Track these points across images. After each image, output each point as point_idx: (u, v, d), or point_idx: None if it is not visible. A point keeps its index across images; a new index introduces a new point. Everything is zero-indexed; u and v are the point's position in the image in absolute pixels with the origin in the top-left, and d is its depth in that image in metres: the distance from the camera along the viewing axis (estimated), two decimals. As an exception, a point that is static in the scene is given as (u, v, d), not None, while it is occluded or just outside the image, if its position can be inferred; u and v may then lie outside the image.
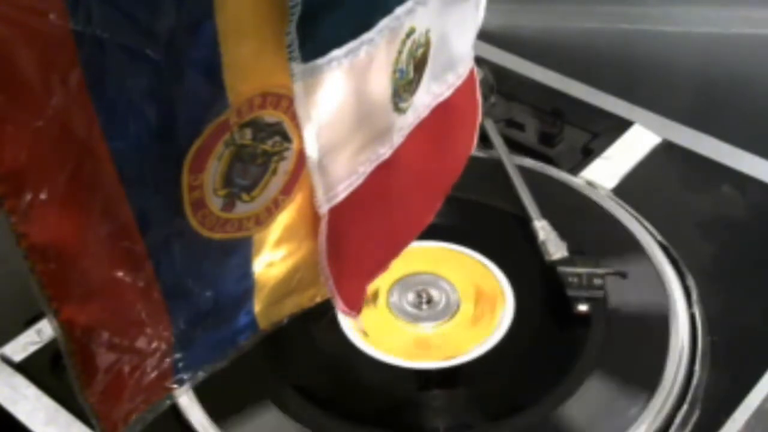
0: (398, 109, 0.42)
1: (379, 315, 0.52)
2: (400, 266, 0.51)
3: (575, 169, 0.61)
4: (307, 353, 0.50)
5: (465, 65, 0.49)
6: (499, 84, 0.65)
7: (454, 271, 0.54)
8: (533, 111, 0.65)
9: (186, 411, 0.46)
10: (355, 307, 0.47)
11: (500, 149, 0.60)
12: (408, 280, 0.53)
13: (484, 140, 0.59)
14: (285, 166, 0.40)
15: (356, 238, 0.44)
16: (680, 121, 0.64)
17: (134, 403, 0.40)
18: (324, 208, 0.41)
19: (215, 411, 0.46)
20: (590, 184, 0.59)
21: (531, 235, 0.54)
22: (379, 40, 0.38)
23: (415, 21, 0.40)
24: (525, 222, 0.55)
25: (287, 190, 0.41)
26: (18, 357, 0.50)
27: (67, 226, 0.32)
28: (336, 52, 0.36)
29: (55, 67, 0.29)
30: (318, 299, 0.47)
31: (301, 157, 0.39)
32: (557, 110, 0.64)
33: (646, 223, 0.56)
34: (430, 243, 0.55)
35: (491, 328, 0.51)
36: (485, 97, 0.60)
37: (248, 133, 0.37)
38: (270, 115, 0.37)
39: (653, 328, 0.49)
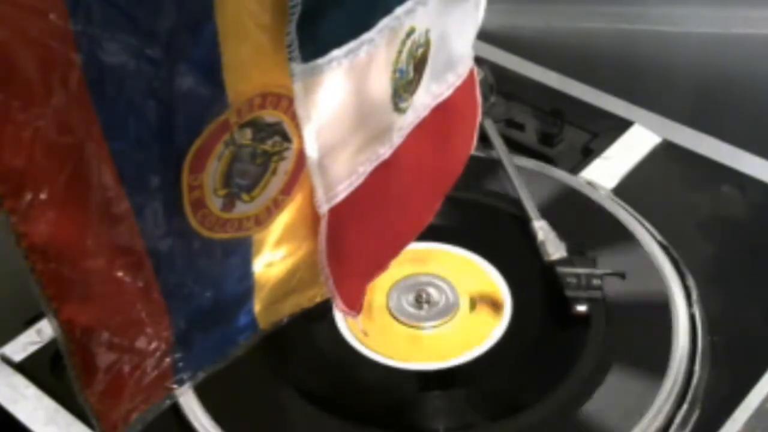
0: (398, 109, 0.42)
1: (379, 316, 0.52)
2: (399, 267, 0.51)
3: (575, 169, 0.60)
4: (307, 354, 0.50)
5: (465, 65, 0.49)
6: (499, 84, 0.65)
7: (453, 271, 0.54)
8: (533, 111, 0.65)
9: (186, 411, 0.46)
10: (355, 306, 0.47)
11: (500, 149, 0.60)
12: (407, 280, 0.53)
13: (484, 140, 0.59)
14: (285, 166, 0.40)
15: (356, 237, 0.44)
16: (680, 121, 0.64)
17: (134, 403, 0.40)
18: (324, 208, 0.41)
19: (215, 411, 0.46)
20: (590, 184, 0.59)
21: (530, 236, 0.54)
22: (379, 40, 0.38)
23: (415, 21, 0.40)
24: (524, 222, 0.55)
25: (287, 190, 0.41)
26: (18, 357, 0.50)
27: (67, 226, 0.32)
28: (336, 52, 0.36)
29: (55, 67, 0.29)
30: (318, 299, 0.47)
31: (301, 157, 0.39)
32: (557, 110, 0.64)
33: (646, 223, 0.56)
34: (429, 243, 0.55)
35: (490, 329, 0.51)
36: (485, 97, 0.60)
37: (248, 133, 0.37)
38: (270, 115, 0.37)
39: (653, 328, 0.49)
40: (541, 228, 0.54)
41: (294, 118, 0.37)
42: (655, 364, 0.47)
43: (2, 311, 0.54)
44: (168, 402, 0.42)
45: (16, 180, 0.30)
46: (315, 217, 0.41)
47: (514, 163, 0.59)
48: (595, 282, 0.51)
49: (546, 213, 0.55)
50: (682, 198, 0.59)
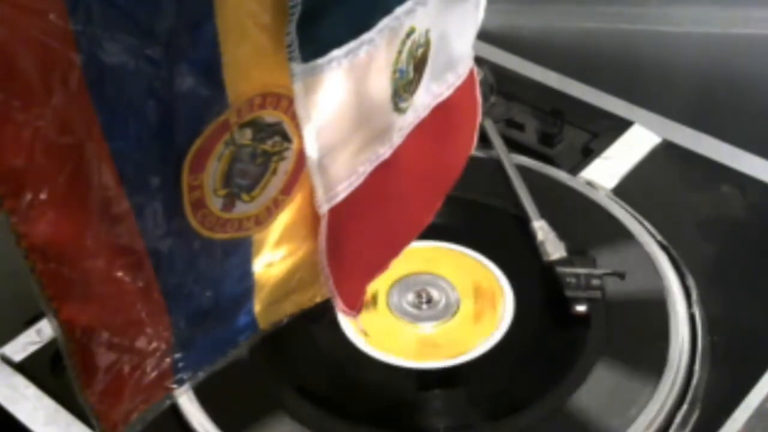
0: (398, 109, 0.42)
1: (380, 315, 0.52)
2: (399, 266, 0.51)
3: (575, 169, 0.61)
4: (308, 354, 0.50)
5: (465, 65, 0.49)
6: (499, 84, 0.65)
7: (453, 270, 0.54)
8: (533, 111, 0.65)
9: (186, 411, 0.46)
10: (355, 307, 0.47)
11: (500, 149, 0.60)
12: (408, 280, 0.53)
13: (484, 140, 0.59)
14: (285, 166, 0.40)
15: (356, 237, 0.44)
16: (680, 121, 0.64)
17: (134, 403, 0.40)
18: (324, 208, 0.41)
19: (215, 411, 0.46)
20: (590, 184, 0.59)
21: (530, 236, 0.54)
22: (379, 40, 0.38)
23: (415, 21, 0.40)
24: (524, 222, 0.55)
25: (287, 190, 0.41)
26: (18, 357, 0.50)
27: (67, 226, 0.32)
28: (336, 52, 0.36)
29: (55, 67, 0.29)
30: (318, 299, 0.47)
31: (301, 157, 0.39)
32: (557, 110, 0.64)
33: (646, 223, 0.56)
34: (430, 243, 0.55)
35: (490, 328, 0.51)
36: (485, 97, 0.60)
37: (248, 133, 0.37)
38: (270, 115, 0.37)
39: (653, 328, 0.49)
40: (540, 228, 0.54)
41: (294, 118, 0.37)
42: (655, 364, 0.47)
43: (2, 311, 0.54)
44: (168, 402, 0.42)
45: (16, 180, 0.30)
46: (315, 217, 0.41)
47: (514, 163, 0.59)
48: (595, 282, 0.51)
49: (546, 213, 0.55)
50: (682, 198, 0.59)
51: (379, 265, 0.49)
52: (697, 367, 0.48)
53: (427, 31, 0.42)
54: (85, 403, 0.37)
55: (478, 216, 0.57)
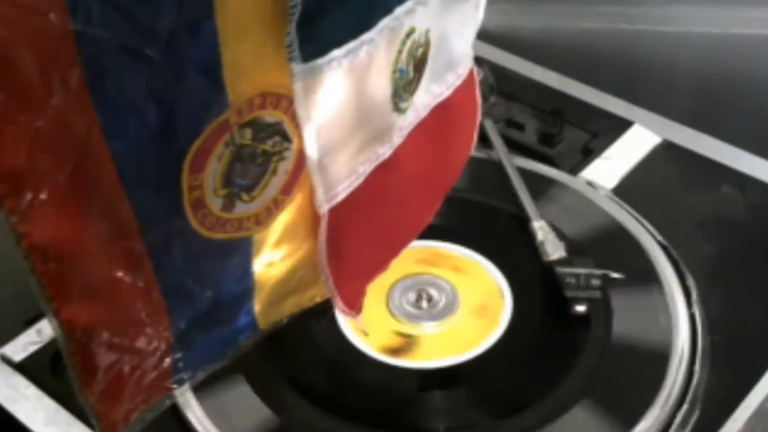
0: (398, 109, 0.42)
1: (379, 315, 0.52)
2: (399, 266, 0.51)
3: (575, 169, 0.60)
4: (307, 353, 0.50)
5: (465, 65, 0.49)
6: (499, 84, 0.65)
7: (453, 271, 0.54)
8: (533, 111, 0.65)
9: (186, 411, 0.46)
10: (355, 306, 0.47)
11: (500, 149, 0.60)
12: (408, 280, 0.53)
13: (484, 140, 0.59)
14: (285, 166, 0.40)
15: (356, 237, 0.44)
16: (680, 121, 0.64)
17: (134, 403, 0.40)
18: (324, 208, 0.41)
19: (215, 411, 0.46)
20: (590, 184, 0.59)
21: (530, 236, 0.54)
22: (379, 40, 0.38)
23: (415, 21, 0.40)
24: (524, 222, 0.55)
25: (287, 190, 0.41)
26: (18, 357, 0.50)
27: (67, 226, 0.32)
28: (336, 52, 0.36)
29: (55, 67, 0.29)
30: (318, 299, 0.47)
31: (301, 157, 0.39)
32: (557, 110, 0.64)
33: (646, 223, 0.56)
34: (429, 243, 0.55)
35: (490, 328, 0.51)
36: (485, 97, 0.60)
37: (248, 133, 0.37)
38: (270, 115, 0.37)
39: (653, 328, 0.49)
40: (540, 228, 0.54)
41: (294, 118, 0.37)
42: (655, 364, 0.47)
43: (2, 311, 0.54)
44: (168, 402, 0.42)
45: (16, 180, 0.30)
46: (315, 217, 0.41)
47: (514, 163, 0.59)
48: (595, 282, 0.51)
49: (545, 213, 0.55)
50: (682, 198, 0.59)
51: (379, 264, 0.49)
52: (697, 367, 0.48)
53: (427, 31, 0.42)
54: (85, 403, 0.37)
55: (478, 216, 0.57)
